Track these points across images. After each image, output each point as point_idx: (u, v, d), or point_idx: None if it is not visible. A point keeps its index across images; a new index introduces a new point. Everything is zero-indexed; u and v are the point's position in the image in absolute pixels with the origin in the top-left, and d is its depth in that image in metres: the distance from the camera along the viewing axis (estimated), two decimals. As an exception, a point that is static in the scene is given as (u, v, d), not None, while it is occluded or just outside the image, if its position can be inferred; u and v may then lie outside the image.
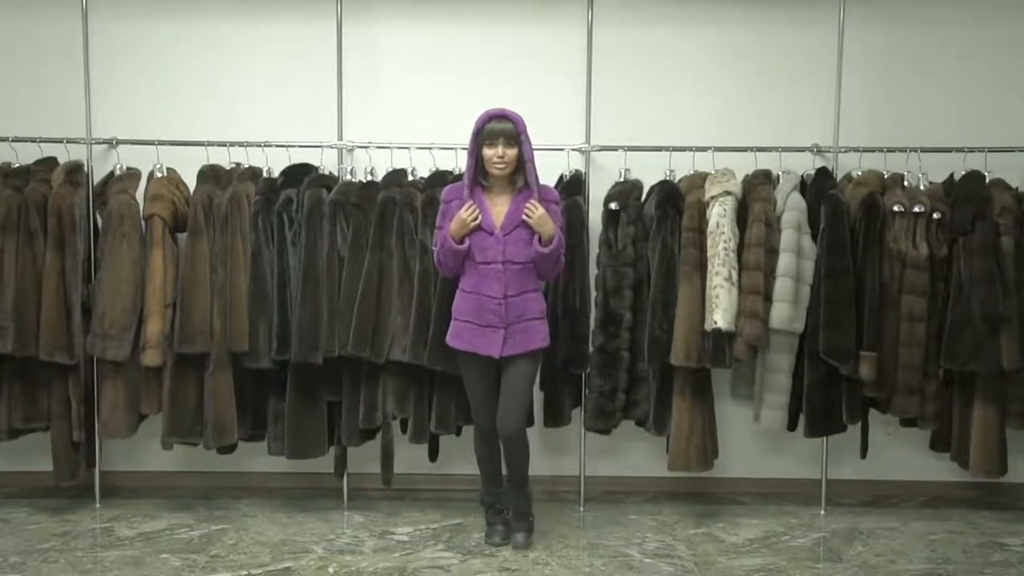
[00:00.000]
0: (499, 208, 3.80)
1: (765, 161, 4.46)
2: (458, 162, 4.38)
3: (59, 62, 4.62)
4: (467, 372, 3.91)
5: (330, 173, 4.43)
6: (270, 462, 4.59)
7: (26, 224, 4.22)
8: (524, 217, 3.73)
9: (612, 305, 4.31)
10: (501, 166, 3.74)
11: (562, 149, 4.49)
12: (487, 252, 3.76)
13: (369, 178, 4.41)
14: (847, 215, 4.22)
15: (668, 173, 4.46)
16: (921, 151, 4.43)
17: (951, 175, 4.42)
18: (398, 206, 4.21)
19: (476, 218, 3.74)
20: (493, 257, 3.76)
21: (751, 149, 4.47)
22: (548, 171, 4.38)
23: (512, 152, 3.73)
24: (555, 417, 4.42)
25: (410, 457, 4.57)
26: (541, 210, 3.74)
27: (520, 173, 3.78)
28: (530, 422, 4.28)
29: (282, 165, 4.44)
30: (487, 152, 3.74)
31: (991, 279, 4.16)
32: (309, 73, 4.65)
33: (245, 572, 3.77)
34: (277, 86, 4.67)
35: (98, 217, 4.38)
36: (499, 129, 3.72)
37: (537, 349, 3.87)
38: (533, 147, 3.78)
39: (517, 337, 3.80)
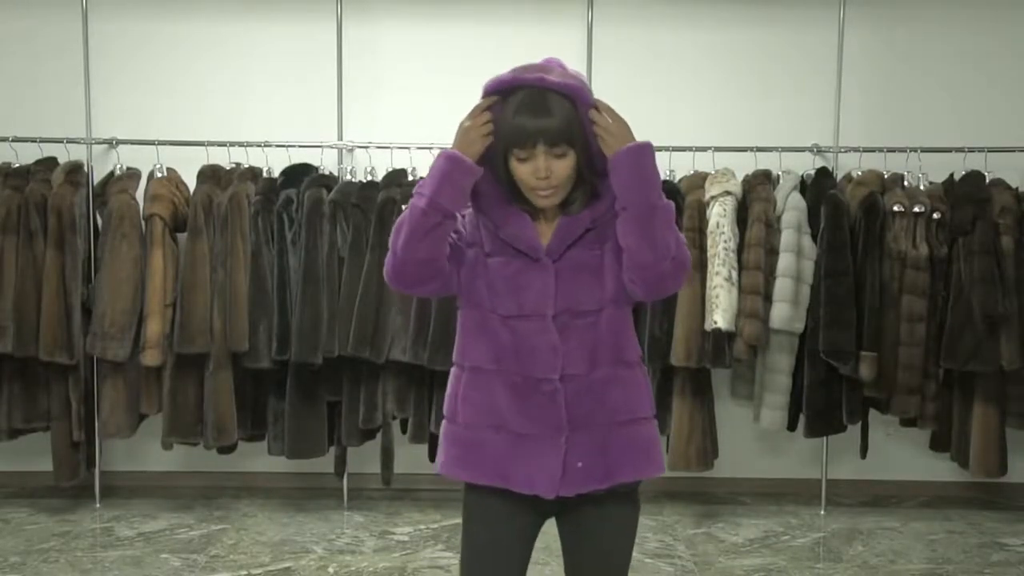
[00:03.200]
0: (543, 225, 2.06)
1: (765, 161, 4.46)
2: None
3: (59, 62, 4.62)
4: (477, 533, 2.11)
5: (330, 173, 4.43)
6: (270, 462, 4.59)
7: (26, 224, 4.22)
8: (596, 128, 2.02)
9: (612, 305, 4.30)
10: (546, 192, 1.99)
11: (562, 149, 4.49)
12: (524, 295, 2.00)
13: (369, 178, 4.41)
14: (847, 215, 4.22)
15: (668, 173, 4.46)
16: (921, 151, 4.43)
17: (951, 175, 4.42)
18: (398, 206, 4.21)
19: (488, 132, 2.01)
20: (536, 304, 2.00)
21: (751, 149, 4.47)
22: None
23: (564, 164, 1.98)
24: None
25: (410, 457, 4.57)
26: (611, 117, 2.07)
27: (580, 190, 2.03)
28: None
29: (282, 165, 4.44)
30: (519, 169, 1.98)
31: (991, 279, 4.16)
32: (309, 73, 4.65)
33: (245, 572, 3.77)
34: (277, 86, 4.67)
35: (98, 217, 4.38)
36: (536, 127, 1.95)
37: (635, 483, 2.09)
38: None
39: (593, 457, 2.01)
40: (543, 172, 1.95)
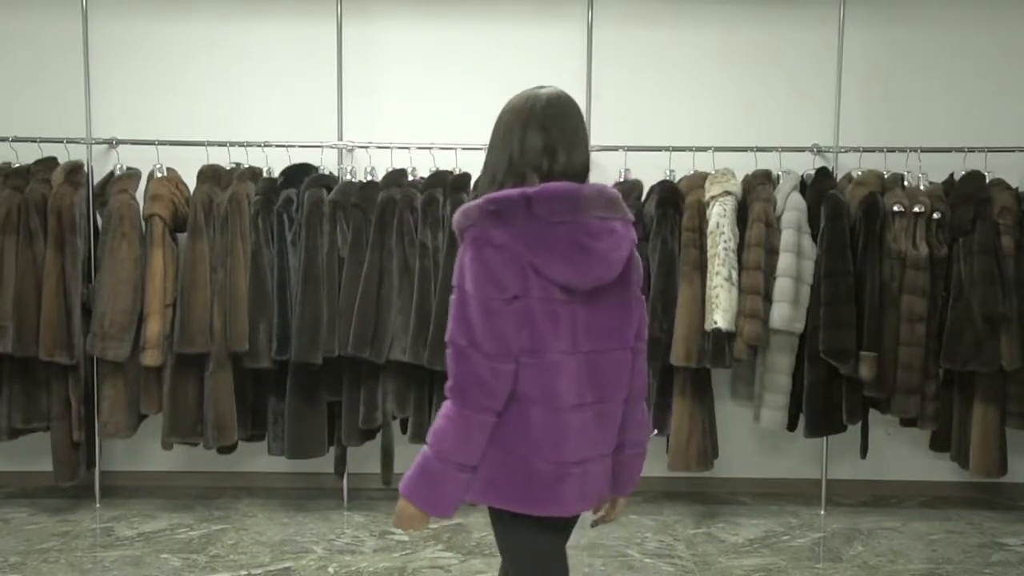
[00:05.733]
0: None
1: (765, 161, 4.46)
2: (458, 162, 4.38)
3: (59, 62, 4.62)
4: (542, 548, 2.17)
5: (330, 173, 4.43)
6: (270, 462, 4.59)
7: (26, 224, 4.22)
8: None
9: (612, 305, 4.30)
10: None
11: (562, 149, 4.48)
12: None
13: (369, 178, 4.41)
14: (847, 215, 4.22)
15: (668, 173, 4.46)
16: (921, 151, 4.43)
17: (951, 175, 4.42)
18: (398, 206, 4.21)
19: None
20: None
21: (751, 149, 4.47)
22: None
23: None
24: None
25: (410, 457, 4.53)
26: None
27: None
28: None
29: (282, 165, 4.43)
30: None
31: (991, 279, 4.16)
32: (309, 73, 4.64)
33: (245, 572, 3.77)
34: (277, 86, 4.67)
35: (98, 217, 4.38)
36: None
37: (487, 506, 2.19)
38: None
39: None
40: None
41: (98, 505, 4.50)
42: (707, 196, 4.26)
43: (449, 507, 2.06)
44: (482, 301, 1.96)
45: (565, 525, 2.16)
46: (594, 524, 2.26)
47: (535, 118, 2.06)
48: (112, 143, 4.51)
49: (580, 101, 4.56)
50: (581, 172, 2.07)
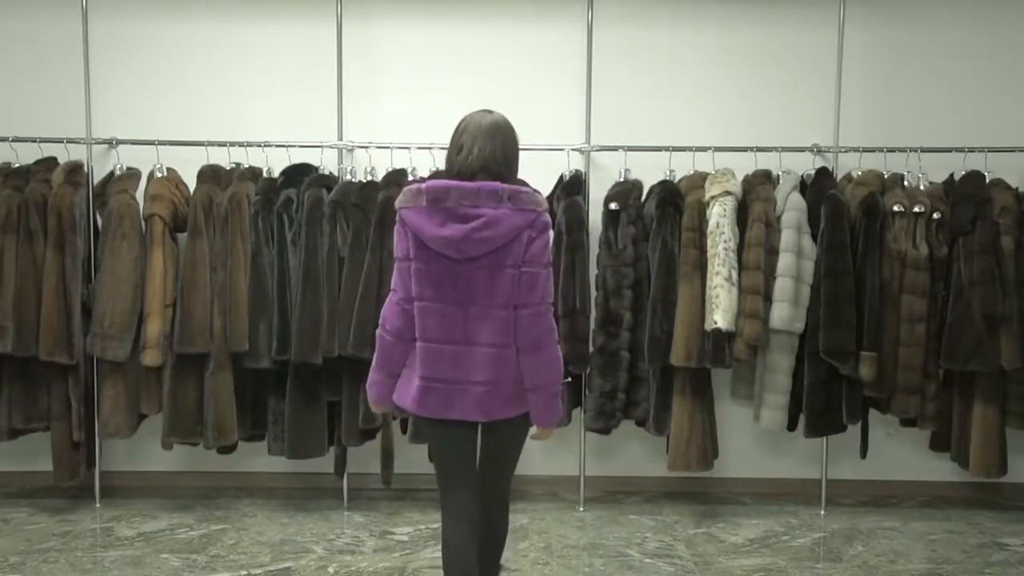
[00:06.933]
0: None
1: (765, 161, 4.46)
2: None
3: (59, 62, 4.63)
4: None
5: (330, 173, 4.43)
6: (270, 462, 4.59)
7: (26, 224, 4.22)
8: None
9: (612, 305, 4.31)
10: None
11: (562, 149, 4.49)
12: None
13: (369, 178, 4.41)
14: (847, 215, 4.22)
15: (668, 173, 4.46)
16: (921, 151, 4.43)
17: (951, 175, 4.42)
18: (398, 206, 4.20)
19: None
20: None
21: (751, 149, 4.47)
22: (548, 171, 4.38)
23: None
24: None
25: (410, 457, 4.57)
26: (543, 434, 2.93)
27: None
28: None
29: (282, 165, 4.44)
30: None
31: (991, 279, 4.16)
32: (309, 73, 4.65)
33: (245, 572, 3.77)
34: (277, 86, 4.67)
35: (98, 217, 4.38)
36: None
37: None
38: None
39: None
40: None
41: (98, 505, 4.50)
42: (707, 196, 4.26)
43: (383, 402, 2.90)
44: (398, 260, 2.80)
45: (451, 427, 2.84)
46: (532, 437, 2.93)
47: (456, 135, 2.81)
48: (112, 143, 4.51)
49: (580, 101, 4.61)
50: (469, 175, 2.73)
